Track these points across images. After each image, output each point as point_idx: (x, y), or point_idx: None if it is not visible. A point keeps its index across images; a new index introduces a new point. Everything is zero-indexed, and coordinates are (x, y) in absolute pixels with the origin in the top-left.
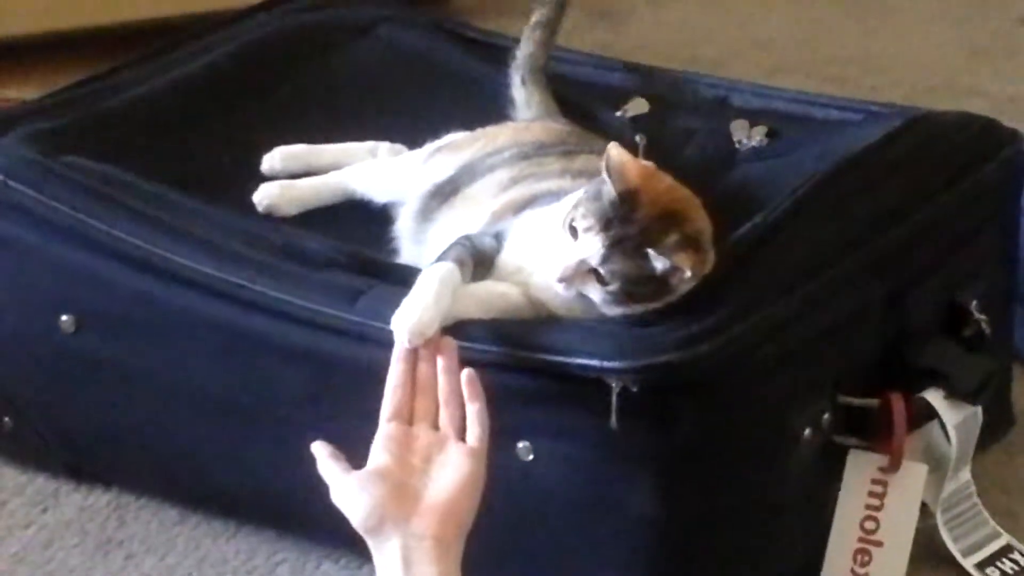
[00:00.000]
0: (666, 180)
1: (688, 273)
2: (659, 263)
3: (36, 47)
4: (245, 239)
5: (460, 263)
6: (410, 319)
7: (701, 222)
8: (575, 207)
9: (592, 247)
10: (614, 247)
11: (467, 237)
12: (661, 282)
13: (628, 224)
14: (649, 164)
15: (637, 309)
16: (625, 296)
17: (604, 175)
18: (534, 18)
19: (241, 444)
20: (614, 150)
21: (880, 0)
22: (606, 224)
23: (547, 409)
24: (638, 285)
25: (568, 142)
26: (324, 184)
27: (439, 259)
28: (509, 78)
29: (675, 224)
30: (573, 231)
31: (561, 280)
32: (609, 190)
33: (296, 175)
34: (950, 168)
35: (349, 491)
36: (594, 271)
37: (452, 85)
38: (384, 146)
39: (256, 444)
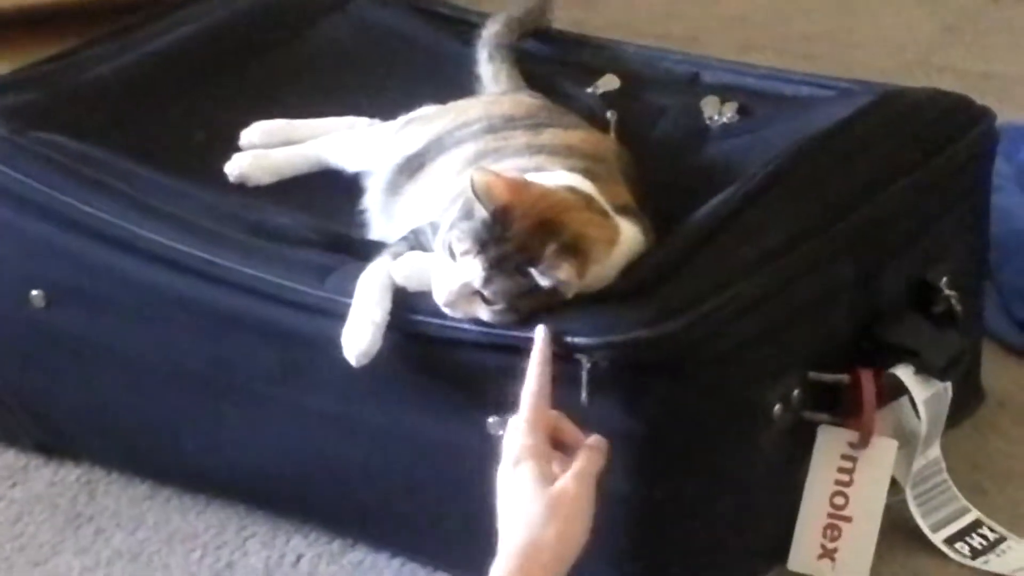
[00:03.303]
0: (536, 189)
1: (573, 281)
2: (543, 280)
3: (6, 22)
4: (216, 215)
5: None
6: (357, 344)
7: (578, 225)
8: (450, 228)
9: (472, 270)
10: (494, 268)
11: (414, 232)
12: (548, 292)
13: (504, 243)
14: (518, 176)
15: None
16: (513, 311)
17: (472, 197)
18: (511, 11)
19: (211, 419)
20: (477, 173)
21: None
22: (482, 245)
23: (518, 384)
24: (524, 299)
25: (538, 116)
26: (297, 154)
27: (379, 256)
28: (475, 55)
29: (551, 233)
30: (452, 254)
31: (446, 305)
32: (480, 210)
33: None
34: (921, 145)
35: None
36: (478, 292)
37: (424, 61)
38: (363, 121)
39: (226, 419)
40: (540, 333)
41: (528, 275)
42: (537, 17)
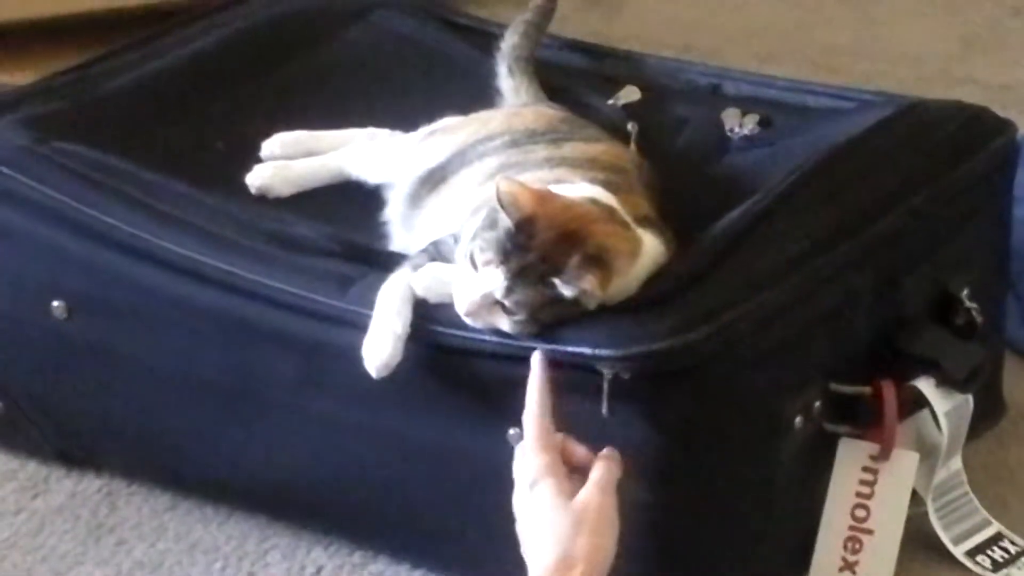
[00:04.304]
0: (560, 200)
1: (597, 292)
2: (567, 290)
3: (29, 33)
4: (237, 226)
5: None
6: (378, 356)
7: (602, 236)
8: (473, 238)
9: (494, 280)
10: (516, 278)
11: (435, 244)
12: (569, 303)
13: (527, 253)
14: (542, 187)
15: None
16: (534, 322)
17: (497, 207)
18: (523, 16)
19: (232, 430)
20: (503, 183)
21: None
22: (505, 255)
23: None
24: (545, 310)
25: (559, 129)
26: (318, 165)
27: (399, 267)
28: (495, 69)
29: (575, 244)
30: (474, 264)
31: (467, 314)
32: (504, 220)
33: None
34: (942, 156)
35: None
36: (500, 303)
37: (445, 72)
38: (384, 132)
39: (247, 430)
40: (536, 357)
41: (550, 286)
42: (547, 12)
